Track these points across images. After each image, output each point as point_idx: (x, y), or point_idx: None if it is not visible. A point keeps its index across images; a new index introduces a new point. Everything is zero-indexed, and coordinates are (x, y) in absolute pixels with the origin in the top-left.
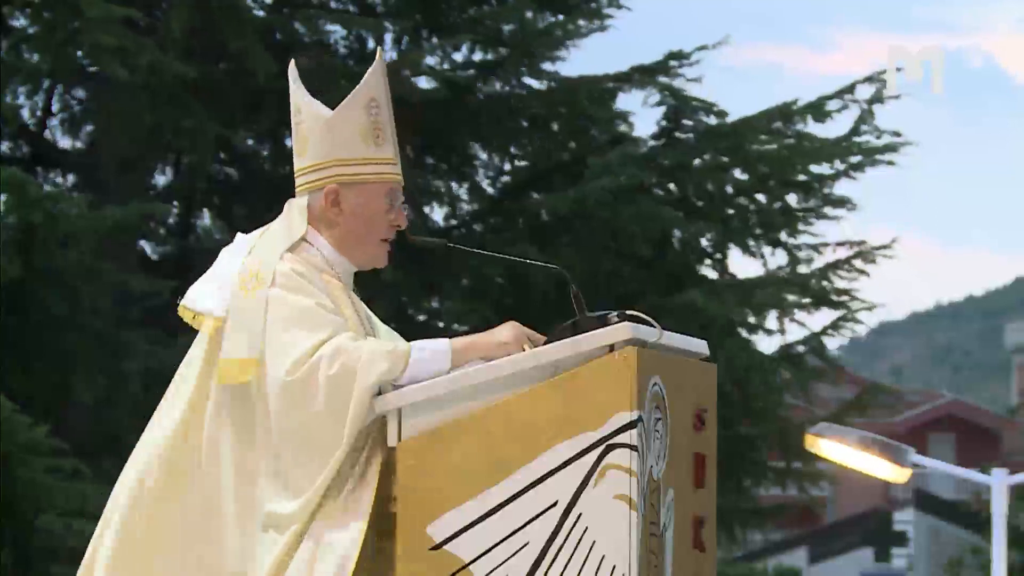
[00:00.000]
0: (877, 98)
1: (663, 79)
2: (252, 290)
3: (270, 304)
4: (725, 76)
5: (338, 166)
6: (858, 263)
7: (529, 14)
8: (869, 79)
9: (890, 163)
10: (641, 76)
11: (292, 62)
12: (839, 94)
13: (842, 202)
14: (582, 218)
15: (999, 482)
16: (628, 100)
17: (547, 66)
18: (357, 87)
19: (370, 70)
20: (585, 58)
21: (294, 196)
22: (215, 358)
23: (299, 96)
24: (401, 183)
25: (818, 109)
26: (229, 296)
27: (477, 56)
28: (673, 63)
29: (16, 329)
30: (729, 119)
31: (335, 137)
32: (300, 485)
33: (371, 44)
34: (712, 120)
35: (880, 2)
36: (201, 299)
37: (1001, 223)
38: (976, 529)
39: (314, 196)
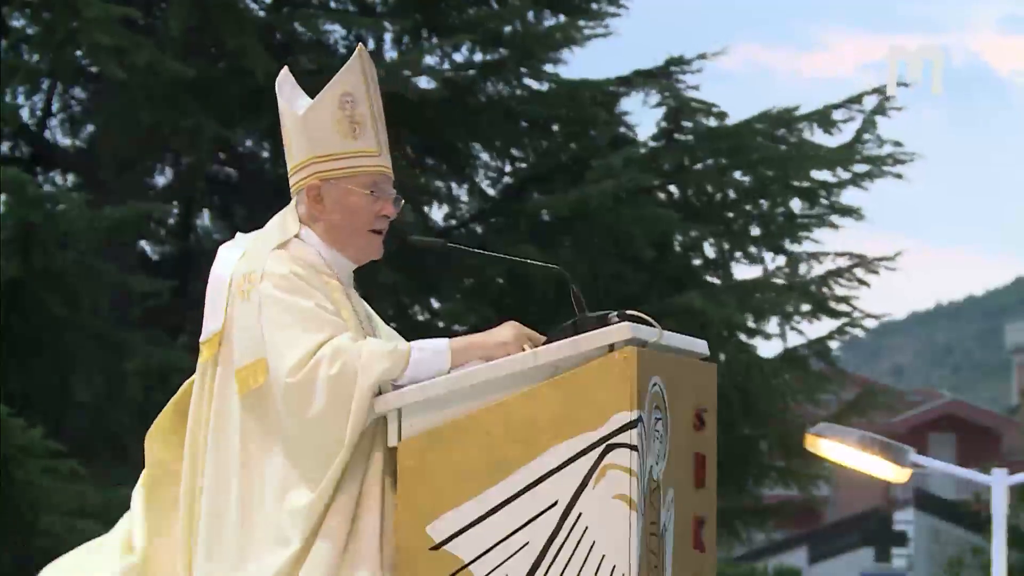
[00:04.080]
0: (881, 109)
1: (664, 82)
2: (247, 292)
3: (265, 304)
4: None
5: (315, 163)
6: (859, 272)
7: (530, 16)
8: (877, 90)
9: (898, 176)
10: (643, 80)
11: (285, 69)
12: (846, 103)
13: (848, 211)
14: (583, 220)
15: (999, 482)
16: (628, 101)
17: (548, 68)
18: (327, 84)
19: (344, 66)
20: (585, 60)
21: None
22: (216, 371)
23: (281, 102)
24: (385, 173)
25: (824, 117)
26: (224, 309)
27: (477, 57)
28: (674, 68)
29: (15, 329)
30: (726, 121)
31: (310, 135)
32: (308, 487)
33: (371, 44)
34: (712, 122)
35: (862, 1)
36: (205, 326)
37: (1001, 223)
38: (976, 529)
39: (300, 196)
